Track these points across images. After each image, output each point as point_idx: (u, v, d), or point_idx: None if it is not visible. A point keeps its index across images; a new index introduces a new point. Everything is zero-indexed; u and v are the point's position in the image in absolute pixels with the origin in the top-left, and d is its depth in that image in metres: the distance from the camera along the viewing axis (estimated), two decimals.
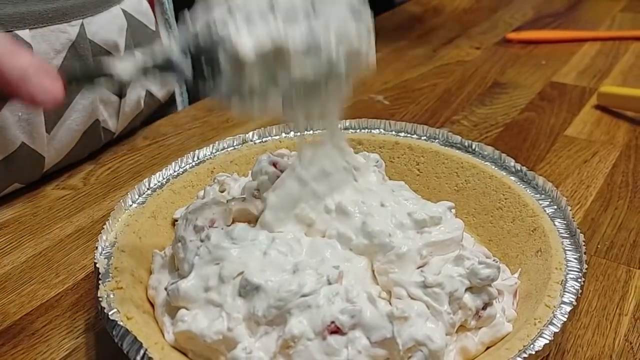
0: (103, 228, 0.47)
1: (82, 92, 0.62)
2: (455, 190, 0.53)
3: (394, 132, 0.59)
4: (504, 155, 0.53)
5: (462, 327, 0.39)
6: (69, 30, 0.59)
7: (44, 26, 0.57)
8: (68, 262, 0.53)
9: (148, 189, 0.52)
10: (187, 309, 0.39)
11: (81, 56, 0.60)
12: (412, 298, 0.37)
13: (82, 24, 0.60)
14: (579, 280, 0.40)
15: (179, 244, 0.43)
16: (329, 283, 0.37)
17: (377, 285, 0.39)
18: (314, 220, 0.42)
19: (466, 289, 0.38)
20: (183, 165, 0.55)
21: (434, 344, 0.35)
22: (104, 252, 0.45)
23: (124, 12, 0.67)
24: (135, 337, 0.37)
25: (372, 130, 0.60)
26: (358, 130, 0.60)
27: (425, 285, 0.37)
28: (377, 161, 0.50)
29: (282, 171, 0.46)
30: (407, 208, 0.42)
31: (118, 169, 0.66)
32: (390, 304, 0.37)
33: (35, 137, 0.59)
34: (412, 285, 0.37)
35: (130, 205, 0.50)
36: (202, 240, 0.41)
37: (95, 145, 0.67)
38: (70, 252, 0.54)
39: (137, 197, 0.51)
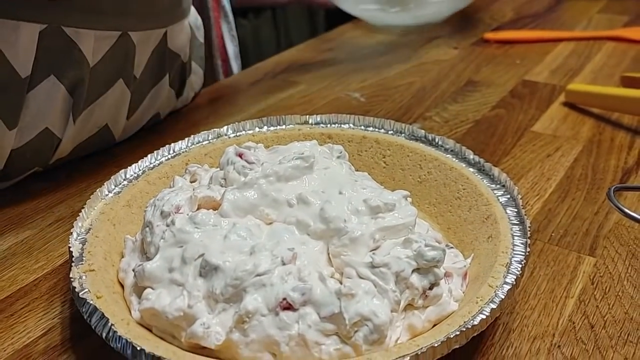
0: (79, 215, 0.49)
1: (156, 88, 0.70)
2: (418, 181, 0.56)
3: (362, 127, 0.62)
4: (464, 148, 0.55)
5: (410, 306, 0.41)
6: (158, 36, 0.67)
7: (146, 30, 0.65)
8: (48, 249, 0.55)
9: (124, 179, 0.55)
10: (152, 288, 0.41)
11: (162, 60, 0.69)
12: (360, 277, 0.39)
13: (165, 32, 0.68)
14: (522, 262, 0.42)
15: (147, 229, 0.45)
16: (283, 264, 0.39)
17: (330, 267, 0.42)
18: (274, 219, 0.45)
19: (413, 270, 0.40)
20: (159, 157, 0.58)
21: (378, 318, 0.37)
22: (79, 237, 0.48)
23: (189, 24, 0.74)
24: (103, 314, 0.39)
25: (342, 125, 0.62)
26: (328, 125, 0.62)
27: (372, 266, 0.39)
28: (341, 152, 0.52)
29: (247, 162, 0.48)
30: (364, 195, 0.45)
31: (101, 164, 0.68)
32: (341, 284, 0.40)
33: (118, 121, 0.67)
34: (361, 265, 0.40)
35: (107, 195, 0.53)
36: (167, 225, 0.44)
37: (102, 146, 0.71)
38: (50, 240, 0.56)
39: (113, 187, 0.54)
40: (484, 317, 0.38)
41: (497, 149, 0.67)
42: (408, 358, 0.35)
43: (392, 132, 0.60)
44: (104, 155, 0.69)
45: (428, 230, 0.47)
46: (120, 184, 0.54)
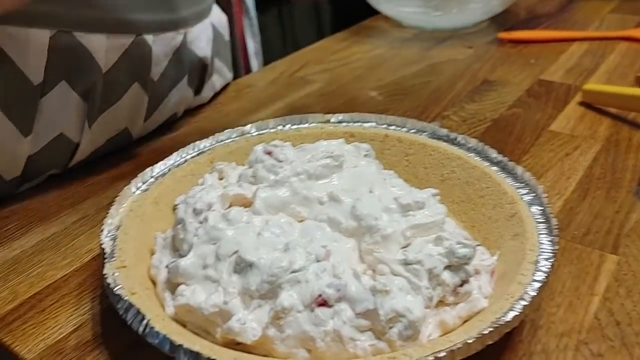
0: (108, 212, 0.50)
1: (174, 90, 0.70)
2: (441, 180, 0.57)
3: (385, 126, 0.62)
4: (486, 147, 0.56)
5: (441, 303, 0.42)
6: (177, 37, 0.67)
7: (163, 32, 0.65)
8: (74, 245, 0.56)
9: (151, 177, 0.55)
10: (186, 285, 0.42)
11: (181, 62, 0.69)
12: (394, 274, 0.40)
13: (185, 33, 0.68)
14: (550, 260, 0.43)
15: (179, 226, 0.46)
16: (317, 261, 0.40)
17: (362, 265, 0.42)
18: (305, 217, 0.45)
19: (445, 267, 0.41)
20: (184, 155, 0.58)
21: (413, 314, 0.38)
22: (109, 234, 0.48)
23: (212, 24, 0.75)
24: (139, 310, 0.40)
25: (364, 124, 0.63)
26: (350, 124, 0.63)
27: (406, 263, 0.40)
28: (368, 150, 0.53)
29: (277, 160, 0.49)
30: (394, 194, 0.45)
31: (121, 161, 0.69)
32: (374, 280, 0.40)
33: (136, 123, 0.67)
34: (394, 262, 0.40)
35: (134, 192, 0.53)
36: (200, 222, 0.44)
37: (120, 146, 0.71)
38: (77, 237, 0.57)
39: (140, 184, 0.54)
40: (516, 313, 0.38)
41: (515, 148, 0.67)
42: (443, 354, 0.35)
43: (414, 130, 0.61)
44: (123, 153, 0.70)
45: (455, 228, 0.47)
46: (147, 181, 0.55)
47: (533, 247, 0.45)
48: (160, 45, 0.66)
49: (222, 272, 0.41)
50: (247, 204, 0.46)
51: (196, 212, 0.45)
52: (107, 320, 0.47)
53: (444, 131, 0.59)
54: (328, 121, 0.63)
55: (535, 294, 0.40)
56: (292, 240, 0.41)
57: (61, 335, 0.46)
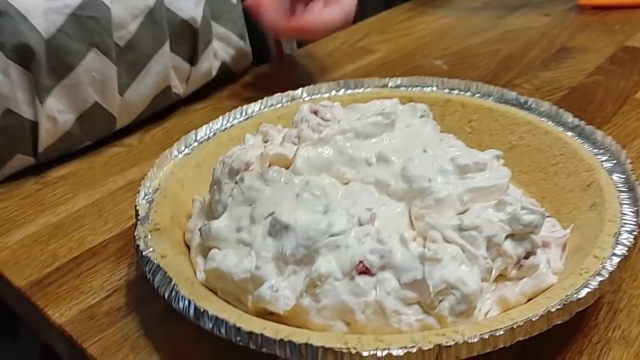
0: (146, 175, 0.48)
1: (155, 57, 0.62)
2: (508, 147, 0.51)
3: (447, 90, 0.57)
4: (561, 110, 0.50)
5: (502, 277, 0.36)
6: None
7: None
8: (117, 211, 0.54)
9: (195, 140, 0.53)
10: (219, 249, 0.39)
11: (157, 22, 0.60)
12: (446, 241, 0.35)
13: None
14: (634, 232, 0.37)
15: (215, 187, 0.43)
16: (360, 224, 0.36)
17: (412, 231, 0.38)
18: (350, 178, 0.41)
19: (507, 236, 0.36)
20: (231, 120, 0.55)
21: (467, 287, 0.33)
22: (146, 197, 0.46)
23: None
24: (166, 273, 0.37)
25: (424, 88, 0.58)
26: (409, 88, 0.58)
27: (461, 229, 0.35)
28: (425, 111, 0.48)
29: (323, 119, 0.45)
30: (450, 154, 0.40)
31: (172, 128, 0.67)
32: (424, 247, 0.36)
33: (108, 97, 0.59)
34: (447, 228, 0.35)
35: (176, 156, 0.51)
36: (236, 183, 0.41)
37: (164, 108, 0.67)
38: (120, 203, 0.55)
39: (183, 148, 0.52)
40: (590, 290, 0.33)
41: (596, 116, 0.61)
42: (501, 332, 0.31)
43: (479, 95, 0.55)
44: (176, 122, 0.68)
45: (522, 196, 0.42)
46: (190, 145, 0.52)
47: (613, 217, 0.39)
48: (122, 5, 0.57)
49: (256, 235, 0.37)
50: (287, 165, 0.42)
51: (232, 172, 0.42)
52: (141, 287, 0.44)
53: (513, 94, 0.53)
54: (385, 85, 0.59)
55: (614, 269, 0.34)
56: (334, 202, 0.37)
57: (95, 301, 0.44)
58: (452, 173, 0.39)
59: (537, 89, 0.67)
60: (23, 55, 0.52)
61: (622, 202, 0.40)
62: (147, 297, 0.43)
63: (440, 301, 0.33)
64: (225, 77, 0.73)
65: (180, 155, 0.51)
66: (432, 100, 0.55)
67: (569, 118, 0.49)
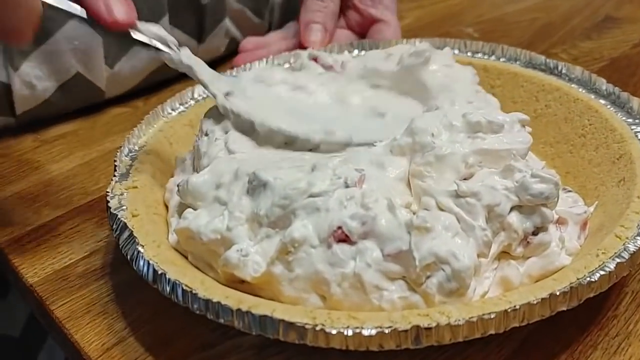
0: (132, 131, 0.44)
1: None
2: (533, 116, 0.45)
3: (469, 53, 0.52)
4: (594, 76, 0.45)
5: (506, 254, 0.32)
6: None
7: None
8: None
9: (191, 98, 0.49)
10: (194, 208, 0.35)
11: None
12: (441, 210, 0.31)
13: None
14: None
15: (205, 138, 0.39)
16: (347, 186, 0.32)
17: (408, 197, 0.33)
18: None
19: (513, 207, 0.31)
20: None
21: (459, 262, 0.28)
22: (130, 154, 0.43)
23: None
24: (132, 232, 0.34)
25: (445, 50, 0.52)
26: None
27: (457, 195, 0.30)
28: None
29: (323, 66, 0.41)
30: (464, 109, 0.35)
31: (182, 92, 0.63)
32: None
33: (93, 69, 0.56)
34: (442, 194, 0.31)
35: (169, 113, 0.47)
36: (226, 132, 0.37)
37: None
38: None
39: (178, 105, 0.48)
40: (605, 273, 0.28)
41: (638, 89, 0.54)
42: (493, 315, 0.26)
43: (504, 59, 0.50)
44: (183, 84, 0.64)
45: (543, 167, 0.37)
46: (186, 102, 0.49)
47: None
48: None
49: (233, 193, 0.34)
50: None
51: (221, 121, 0.38)
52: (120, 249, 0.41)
53: (541, 58, 0.48)
54: None
55: (637, 250, 0.29)
56: (322, 159, 0.33)
57: (71, 261, 0.42)
58: (461, 130, 0.34)
59: (575, 59, 0.61)
60: None
61: None
62: (124, 260, 0.40)
63: (428, 277, 0.29)
64: (235, 52, 0.69)
65: (174, 113, 0.47)
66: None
67: (603, 85, 0.44)
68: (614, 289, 0.32)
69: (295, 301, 0.30)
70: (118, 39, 0.54)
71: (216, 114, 0.40)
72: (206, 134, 0.38)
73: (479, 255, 0.29)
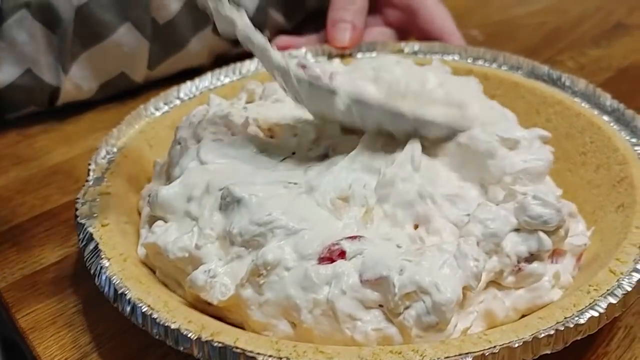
0: (112, 132, 0.42)
1: (194, 40, 0.59)
2: None
3: (470, 60, 0.49)
4: (599, 90, 0.42)
5: (495, 284, 0.30)
6: None
7: None
8: None
9: (177, 98, 0.47)
10: (165, 220, 0.33)
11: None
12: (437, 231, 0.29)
13: None
14: None
15: (178, 147, 0.37)
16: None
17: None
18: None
19: (511, 230, 0.29)
20: (222, 78, 0.49)
21: (441, 294, 0.26)
22: (108, 156, 0.41)
23: None
24: (97, 245, 0.32)
25: (445, 56, 0.50)
26: (428, 55, 0.51)
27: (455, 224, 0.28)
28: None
29: (312, 75, 0.39)
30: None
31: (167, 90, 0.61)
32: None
33: (136, 70, 0.57)
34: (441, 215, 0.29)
35: (152, 114, 0.45)
36: (199, 142, 0.35)
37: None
38: None
39: (162, 105, 0.46)
40: (596, 314, 0.26)
41: None
42: (470, 358, 0.24)
43: (506, 67, 0.48)
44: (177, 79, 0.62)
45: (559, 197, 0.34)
46: (171, 102, 0.47)
47: None
48: None
49: (204, 208, 0.32)
50: (266, 130, 0.37)
51: (196, 133, 0.36)
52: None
53: (545, 69, 0.45)
54: (401, 51, 0.51)
55: (632, 288, 0.27)
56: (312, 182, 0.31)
57: (41, 267, 0.40)
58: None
59: (581, 68, 0.59)
60: (49, 18, 0.51)
61: None
62: None
63: (407, 308, 0.27)
64: None
65: (158, 114, 0.45)
66: (452, 71, 0.48)
67: (607, 100, 0.41)
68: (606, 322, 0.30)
69: (264, 327, 0.28)
70: (164, 44, 0.57)
71: (191, 121, 0.38)
72: (179, 143, 0.36)
73: (465, 289, 0.27)
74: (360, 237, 0.28)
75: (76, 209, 0.35)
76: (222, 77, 0.49)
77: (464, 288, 0.28)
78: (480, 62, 0.49)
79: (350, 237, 0.28)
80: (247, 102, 0.44)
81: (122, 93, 0.58)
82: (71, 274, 0.39)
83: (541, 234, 0.30)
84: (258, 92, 0.44)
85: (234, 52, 0.61)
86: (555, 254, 0.31)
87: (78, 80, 0.55)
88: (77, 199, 0.36)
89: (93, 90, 0.56)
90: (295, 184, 0.32)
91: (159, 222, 0.33)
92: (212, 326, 0.27)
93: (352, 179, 0.32)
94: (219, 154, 0.34)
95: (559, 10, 0.73)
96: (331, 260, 0.28)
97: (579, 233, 0.34)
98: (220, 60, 0.62)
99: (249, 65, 0.50)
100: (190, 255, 0.30)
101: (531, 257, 0.30)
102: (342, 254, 0.28)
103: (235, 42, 0.59)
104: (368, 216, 0.30)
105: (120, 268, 0.31)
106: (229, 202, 0.31)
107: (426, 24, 0.56)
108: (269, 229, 0.29)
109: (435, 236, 0.30)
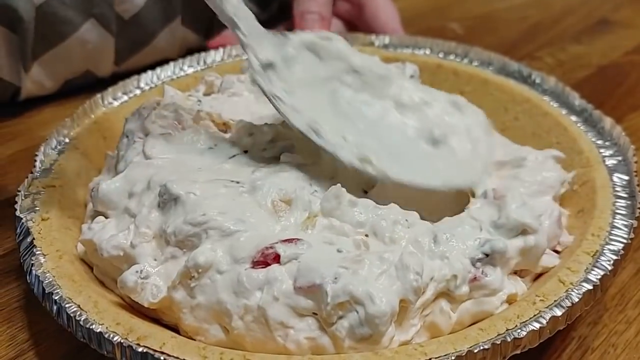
0: (64, 121, 0.41)
1: (163, 34, 0.58)
2: (500, 129, 0.42)
3: (441, 54, 0.48)
4: (568, 89, 0.41)
5: (445, 295, 0.28)
6: None
7: None
8: None
9: (137, 87, 0.46)
10: (106, 216, 0.32)
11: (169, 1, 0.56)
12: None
13: None
14: (620, 253, 0.28)
15: (125, 140, 0.36)
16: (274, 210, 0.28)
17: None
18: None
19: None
20: (186, 68, 0.48)
21: (374, 306, 0.25)
22: (58, 147, 0.39)
23: None
24: (34, 239, 0.31)
25: (416, 50, 0.49)
26: (398, 49, 0.49)
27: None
28: (415, 71, 0.40)
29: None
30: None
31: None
32: None
33: (101, 67, 0.56)
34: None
35: (110, 103, 0.44)
36: (146, 135, 0.34)
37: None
38: None
39: (121, 94, 0.45)
40: (535, 328, 0.25)
41: (622, 102, 0.51)
42: None
43: (477, 62, 0.46)
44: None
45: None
46: (130, 92, 0.45)
47: (599, 231, 0.30)
48: None
49: (143, 204, 0.30)
50: (220, 125, 0.35)
51: (144, 126, 0.35)
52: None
53: (515, 65, 0.44)
54: (372, 44, 0.50)
55: (579, 300, 0.26)
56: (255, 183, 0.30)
57: None
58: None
59: (560, 65, 0.58)
60: (9, 18, 0.49)
61: (616, 210, 0.31)
62: None
63: (340, 318, 0.25)
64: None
65: (116, 104, 0.44)
66: (421, 65, 0.46)
67: (576, 100, 0.40)
68: (559, 331, 0.28)
69: (196, 331, 0.27)
70: (131, 40, 0.55)
71: (140, 113, 0.36)
72: (126, 135, 0.35)
73: (403, 302, 0.26)
74: (298, 240, 0.27)
75: (15, 202, 0.34)
76: (186, 67, 0.48)
77: (401, 301, 0.26)
78: (451, 56, 0.48)
79: (286, 240, 0.27)
80: (206, 94, 0.42)
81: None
82: (17, 267, 0.38)
83: (497, 243, 0.28)
84: (217, 84, 0.42)
85: (205, 44, 0.60)
86: (521, 275, 0.30)
87: (40, 78, 0.54)
88: (19, 191, 0.35)
89: (56, 87, 0.55)
90: (238, 182, 0.30)
91: (99, 218, 0.32)
92: (140, 329, 0.26)
93: (299, 185, 0.30)
94: (165, 148, 0.33)
95: (542, 4, 0.72)
96: (265, 264, 0.27)
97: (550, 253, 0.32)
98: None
99: (214, 56, 0.49)
100: (125, 254, 0.29)
101: (483, 258, 0.28)
102: (277, 258, 0.27)
103: (206, 35, 0.59)
104: (310, 222, 0.29)
105: (54, 265, 0.29)
106: (167, 200, 0.29)
107: (371, 19, 0.56)
108: (203, 229, 0.28)
109: (382, 242, 0.29)
